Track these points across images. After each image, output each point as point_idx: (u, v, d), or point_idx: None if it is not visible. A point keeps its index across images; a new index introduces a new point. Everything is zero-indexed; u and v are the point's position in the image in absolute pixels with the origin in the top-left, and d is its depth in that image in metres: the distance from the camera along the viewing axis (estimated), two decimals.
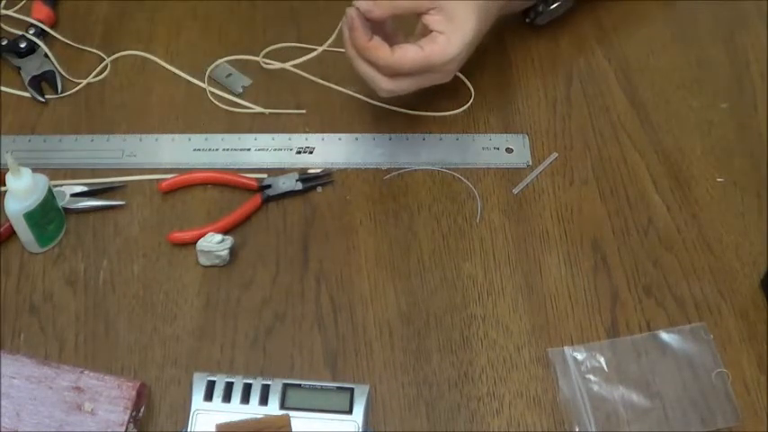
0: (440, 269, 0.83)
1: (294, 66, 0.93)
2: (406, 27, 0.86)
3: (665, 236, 0.85)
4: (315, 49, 0.89)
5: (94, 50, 0.97)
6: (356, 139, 0.91)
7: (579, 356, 0.77)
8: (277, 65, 0.93)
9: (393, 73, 0.82)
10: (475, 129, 0.92)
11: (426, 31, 0.82)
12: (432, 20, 0.81)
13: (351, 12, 0.80)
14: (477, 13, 0.83)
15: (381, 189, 0.88)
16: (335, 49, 0.87)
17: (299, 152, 0.90)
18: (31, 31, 0.97)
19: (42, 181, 0.80)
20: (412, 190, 0.88)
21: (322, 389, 0.73)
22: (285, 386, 0.73)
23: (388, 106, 0.92)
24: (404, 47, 0.81)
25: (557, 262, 0.83)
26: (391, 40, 0.82)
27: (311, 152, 0.90)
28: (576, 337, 0.79)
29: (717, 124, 0.92)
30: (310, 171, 0.88)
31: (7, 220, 0.81)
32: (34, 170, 0.80)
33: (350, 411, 0.72)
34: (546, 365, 0.77)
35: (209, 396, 0.73)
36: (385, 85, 0.83)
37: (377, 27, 0.82)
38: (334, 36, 0.85)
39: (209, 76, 0.94)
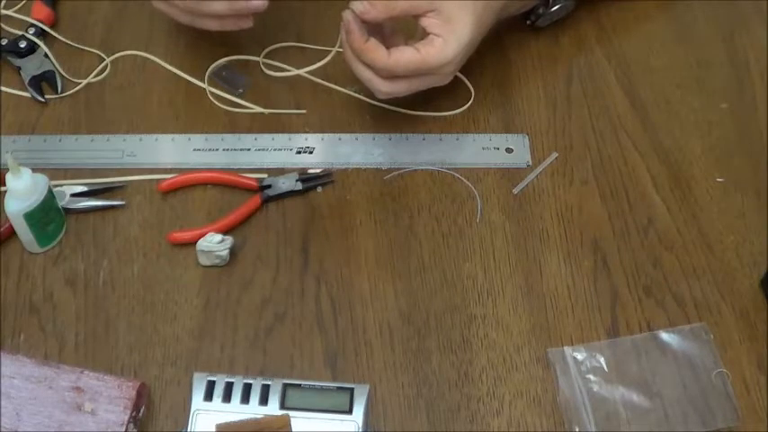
0: (440, 269, 0.83)
1: (292, 65, 0.92)
2: (406, 31, 0.86)
3: (665, 236, 0.85)
4: (316, 49, 0.89)
5: (94, 50, 0.97)
6: (356, 139, 0.91)
7: (579, 356, 0.77)
8: (293, 71, 0.93)
9: (390, 75, 0.82)
10: (475, 129, 0.92)
11: (425, 34, 0.82)
12: (429, 22, 0.81)
13: (347, 14, 0.81)
14: (475, 15, 0.82)
15: (381, 189, 0.88)
16: (337, 49, 0.87)
17: (298, 152, 0.90)
18: (31, 31, 0.97)
19: (42, 181, 0.80)
20: (412, 190, 0.88)
21: (322, 389, 0.73)
22: (285, 386, 0.73)
23: (388, 106, 0.92)
24: (400, 49, 0.81)
25: (557, 262, 0.83)
26: (389, 43, 0.82)
27: (311, 152, 0.90)
28: (576, 337, 0.79)
29: (717, 124, 0.92)
30: (310, 171, 0.88)
31: (7, 220, 0.81)
32: (34, 170, 0.80)
33: (350, 411, 0.72)
34: (546, 365, 0.77)
35: (209, 396, 0.73)
36: (382, 87, 0.83)
37: (374, 29, 0.82)
38: (341, 37, 0.84)
39: (209, 76, 0.94)
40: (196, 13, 0.87)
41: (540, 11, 0.96)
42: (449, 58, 0.82)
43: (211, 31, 0.88)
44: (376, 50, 0.81)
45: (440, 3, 0.81)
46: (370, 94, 0.91)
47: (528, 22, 0.97)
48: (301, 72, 0.91)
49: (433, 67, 0.82)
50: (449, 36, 0.81)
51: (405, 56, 0.81)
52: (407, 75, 0.83)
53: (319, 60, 0.89)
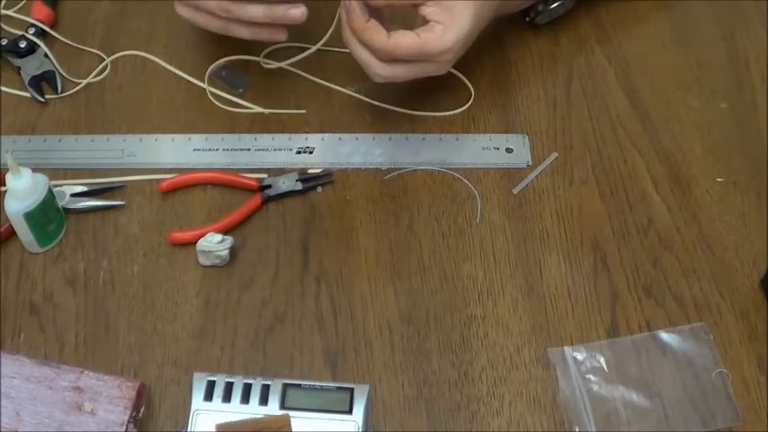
0: (440, 269, 0.83)
1: (292, 64, 0.93)
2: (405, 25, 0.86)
3: (665, 236, 0.85)
4: (316, 49, 0.89)
5: (94, 50, 0.97)
6: (356, 139, 0.91)
7: (579, 356, 0.77)
8: (275, 64, 0.94)
9: (388, 57, 0.82)
10: (475, 129, 0.92)
11: (425, 22, 0.82)
12: (429, 11, 0.82)
13: None
14: (475, 7, 0.83)
15: (381, 189, 0.88)
16: (336, 49, 0.87)
17: (298, 152, 0.90)
18: (31, 31, 0.97)
19: (42, 181, 0.80)
20: (412, 190, 0.88)
21: (322, 389, 0.73)
22: (285, 386, 0.73)
23: (388, 106, 0.92)
24: (400, 32, 0.81)
25: (557, 262, 0.83)
26: (388, 29, 0.82)
27: (311, 152, 0.90)
28: (576, 337, 0.79)
29: (717, 124, 0.92)
30: (310, 171, 0.88)
31: (7, 220, 0.81)
32: (34, 170, 0.80)
33: (350, 411, 0.72)
34: (546, 365, 0.77)
35: (209, 396, 0.73)
36: (380, 70, 0.83)
37: (374, 15, 0.82)
38: (329, 33, 0.85)
39: (209, 76, 0.94)
40: (231, 18, 0.85)
41: (540, 8, 0.96)
42: (448, 46, 0.82)
43: (215, 32, 0.88)
44: (376, 31, 0.80)
45: None
46: (370, 93, 0.91)
47: (527, 19, 0.98)
48: (283, 65, 0.92)
49: (432, 53, 0.82)
50: (449, 24, 0.81)
51: (405, 39, 0.81)
52: (406, 59, 0.82)
53: (318, 60, 0.89)
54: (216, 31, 0.87)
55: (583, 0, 0.98)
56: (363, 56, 0.83)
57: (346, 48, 0.84)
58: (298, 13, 0.83)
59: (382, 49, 0.81)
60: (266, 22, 0.84)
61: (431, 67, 0.84)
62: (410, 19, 0.85)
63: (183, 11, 0.88)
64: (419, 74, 0.84)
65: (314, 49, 0.88)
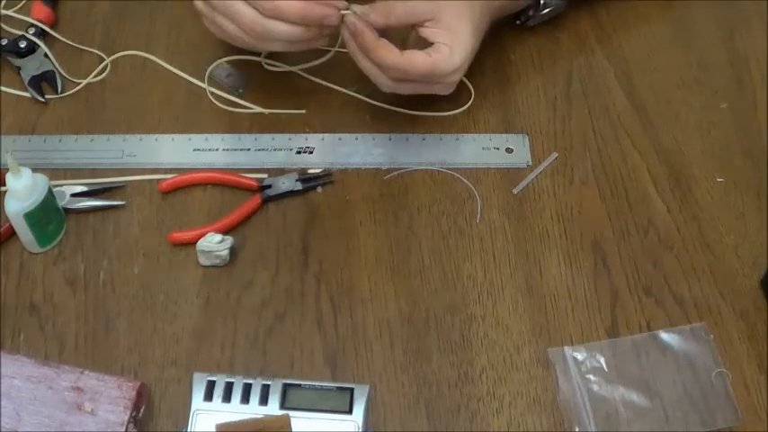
0: (440, 269, 0.83)
1: (292, 64, 0.93)
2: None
3: (665, 236, 0.85)
4: (316, 49, 0.89)
5: (94, 50, 0.97)
6: (356, 139, 0.91)
7: (579, 356, 0.77)
8: (285, 68, 0.93)
9: (400, 75, 0.82)
10: (475, 129, 0.92)
11: (418, 42, 0.82)
12: (430, 32, 0.82)
13: (351, 17, 0.80)
14: (473, 23, 0.84)
15: (381, 189, 0.88)
16: (336, 50, 0.87)
17: (298, 152, 0.90)
18: (31, 31, 0.97)
19: (42, 181, 0.80)
20: (412, 190, 0.88)
21: (322, 389, 0.73)
22: (285, 386, 0.73)
23: (388, 106, 0.92)
24: (413, 52, 0.82)
25: (557, 262, 0.83)
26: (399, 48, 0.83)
27: (311, 152, 0.90)
28: (576, 337, 0.79)
29: (717, 124, 0.93)
30: (310, 171, 0.88)
31: (7, 220, 0.81)
32: (34, 170, 0.80)
33: (350, 411, 0.72)
34: (546, 365, 0.77)
35: (209, 396, 0.73)
36: (389, 82, 0.83)
37: (382, 34, 0.82)
38: (341, 38, 0.85)
39: (209, 76, 0.94)
40: (265, 37, 0.82)
41: (530, 13, 0.96)
42: (456, 65, 0.83)
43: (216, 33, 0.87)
44: (389, 50, 0.81)
45: (438, 11, 0.81)
46: (370, 93, 0.91)
47: (518, 23, 0.98)
48: (295, 69, 0.92)
49: (442, 72, 0.83)
50: (454, 44, 0.82)
51: (417, 58, 0.81)
52: (416, 78, 0.83)
53: (319, 60, 0.89)
54: (249, 47, 0.86)
55: (574, 2, 0.98)
56: (373, 71, 0.83)
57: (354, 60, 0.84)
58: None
59: (394, 66, 0.81)
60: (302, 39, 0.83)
61: (436, 88, 0.86)
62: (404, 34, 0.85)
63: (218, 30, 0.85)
64: (424, 92, 0.86)
65: (329, 55, 0.88)
